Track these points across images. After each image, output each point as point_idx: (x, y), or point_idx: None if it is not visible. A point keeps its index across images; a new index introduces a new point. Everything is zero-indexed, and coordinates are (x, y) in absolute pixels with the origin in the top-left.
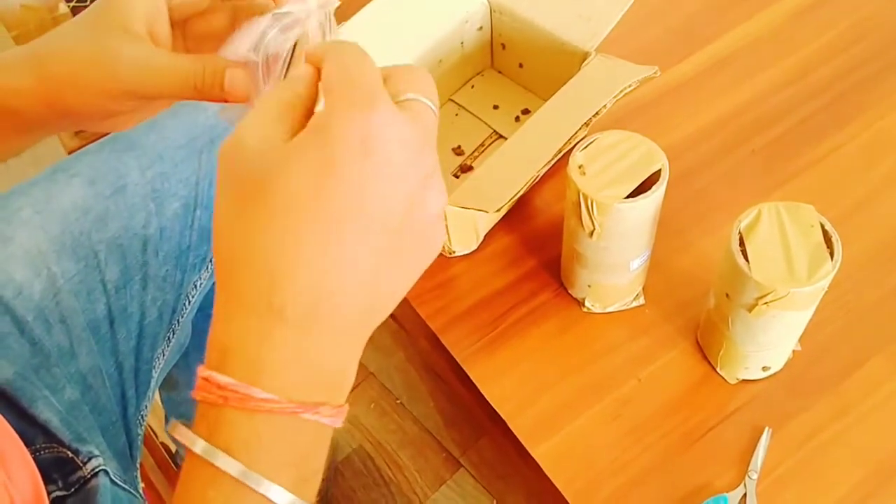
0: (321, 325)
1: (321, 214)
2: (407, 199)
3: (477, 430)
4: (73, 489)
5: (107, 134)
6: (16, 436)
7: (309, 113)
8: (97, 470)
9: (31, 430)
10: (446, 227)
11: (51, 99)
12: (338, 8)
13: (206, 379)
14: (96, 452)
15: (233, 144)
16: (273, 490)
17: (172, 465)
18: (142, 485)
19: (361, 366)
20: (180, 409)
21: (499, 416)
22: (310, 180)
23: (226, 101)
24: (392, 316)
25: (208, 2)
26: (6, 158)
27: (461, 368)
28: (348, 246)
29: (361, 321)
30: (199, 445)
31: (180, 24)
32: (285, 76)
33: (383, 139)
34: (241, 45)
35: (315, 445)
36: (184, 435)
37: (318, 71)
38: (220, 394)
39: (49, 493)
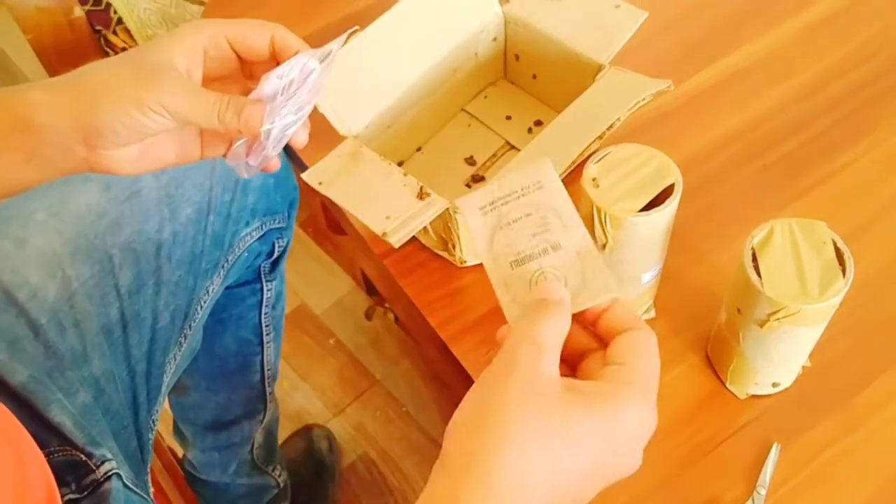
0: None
1: (582, 464)
2: (617, 478)
3: None
4: (86, 492)
5: None
6: (30, 438)
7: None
8: (110, 473)
9: (45, 432)
10: (458, 237)
11: (80, 111)
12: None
13: None
14: (109, 456)
15: (540, 370)
16: None
17: (180, 470)
18: (152, 489)
19: (367, 373)
20: (188, 413)
21: None
22: (592, 437)
23: (240, 134)
24: (399, 323)
25: (235, 67)
26: (7, 195)
27: (469, 377)
28: (578, 490)
29: None
30: None
31: (206, 74)
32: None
33: (647, 435)
34: (263, 86)
35: None
36: None
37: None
38: None
39: (62, 496)
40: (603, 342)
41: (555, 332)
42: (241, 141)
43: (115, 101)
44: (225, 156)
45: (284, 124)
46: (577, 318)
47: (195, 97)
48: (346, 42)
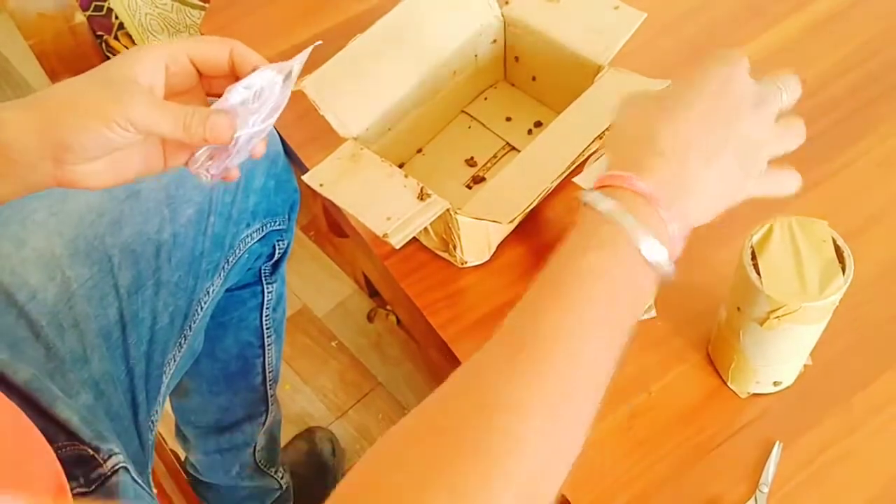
0: (686, 171)
1: (706, 114)
2: (750, 146)
3: None
4: (94, 486)
5: None
6: (39, 433)
7: None
8: (118, 467)
9: (52, 428)
10: (459, 238)
11: (47, 128)
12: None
13: (626, 185)
14: (116, 450)
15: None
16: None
17: (183, 472)
18: (154, 490)
19: (370, 376)
20: (190, 416)
21: None
22: (712, 90)
23: (206, 143)
24: (401, 326)
25: (196, 82)
26: None
27: None
28: (710, 127)
29: (708, 193)
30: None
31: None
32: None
33: (738, 95)
34: (227, 96)
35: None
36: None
37: None
38: (614, 181)
39: (71, 490)
40: None
41: None
42: (204, 149)
43: (81, 116)
44: (186, 164)
45: (251, 133)
46: None
47: (160, 109)
48: (307, 58)
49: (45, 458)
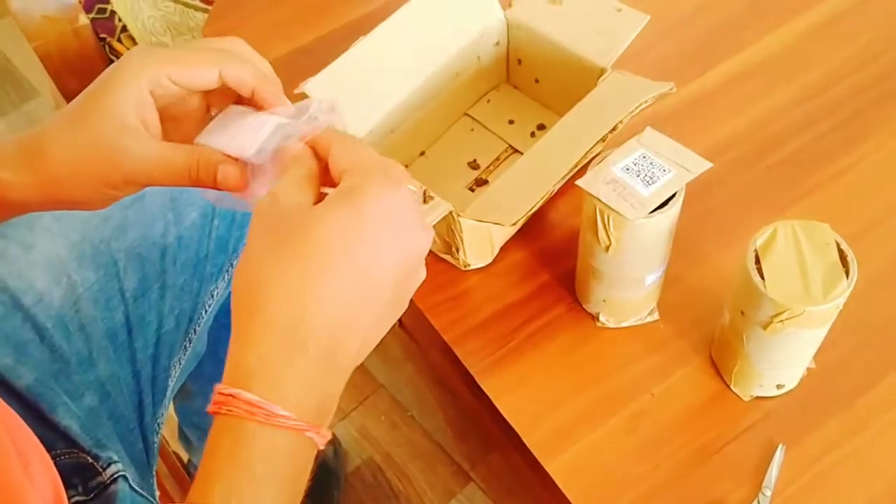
0: (334, 360)
1: (348, 264)
2: (410, 263)
3: (487, 443)
4: (92, 494)
5: None
6: (37, 441)
7: (317, 184)
8: (116, 476)
9: (52, 435)
10: (461, 240)
11: (48, 191)
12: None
13: (232, 395)
14: (115, 458)
15: (270, 204)
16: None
17: (185, 474)
18: (158, 492)
19: (372, 378)
20: (193, 418)
21: (511, 429)
22: (342, 235)
23: (218, 190)
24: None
25: (186, 92)
26: None
27: (473, 381)
28: (366, 294)
29: (359, 358)
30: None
31: (160, 109)
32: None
33: (403, 214)
34: (243, 144)
35: (307, 464)
36: None
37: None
38: (246, 408)
39: (69, 499)
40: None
41: (292, 173)
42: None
43: (81, 185)
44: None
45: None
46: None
47: (160, 165)
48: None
49: (42, 466)
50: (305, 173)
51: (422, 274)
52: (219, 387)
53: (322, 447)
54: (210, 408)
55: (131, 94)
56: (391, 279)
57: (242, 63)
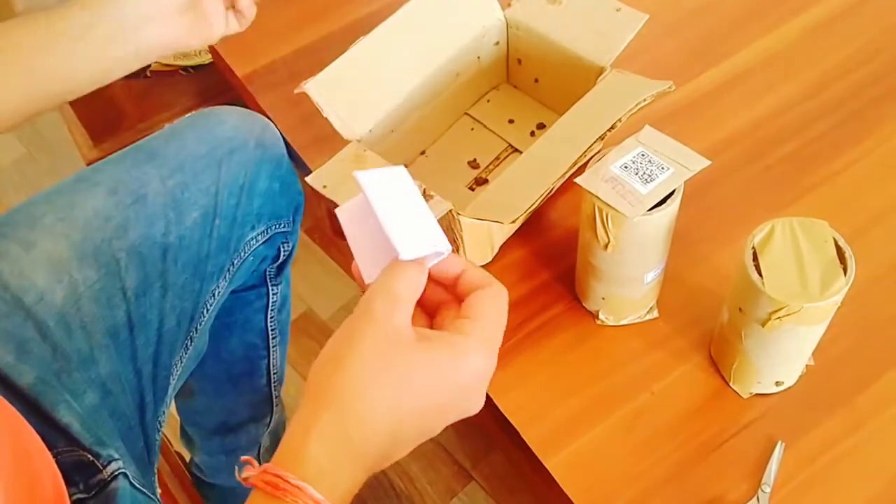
0: (374, 469)
1: (427, 405)
2: (461, 415)
3: (489, 443)
4: (93, 492)
5: (128, 145)
6: (39, 439)
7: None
8: (117, 473)
9: (53, 433)
10: (461, 239)
11: None
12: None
13: (297, 486)
14: (116, 456)
15: (393, 322)
16: None
17: (187, 474)
18: (159, 490)
19: None
20: (195, 417)
21: (511, 427)
22: (438, 381)
23: None
24: None
25: None
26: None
27: None
28: (423, 434)
29: (372, 461)
30: None
31: None
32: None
33: (484, 380)
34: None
35: None
36: None
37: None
38: (289, 488)
39: (70, 496)
40: (459, 299)
41: (408, 284)
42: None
43: None
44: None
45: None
46: (438, 280)
47: None
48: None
49: (44, 464)
50: (415, 287)
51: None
52: (277, 467)
53: None
54: (258, 478)
55: None
56: (442, 422)
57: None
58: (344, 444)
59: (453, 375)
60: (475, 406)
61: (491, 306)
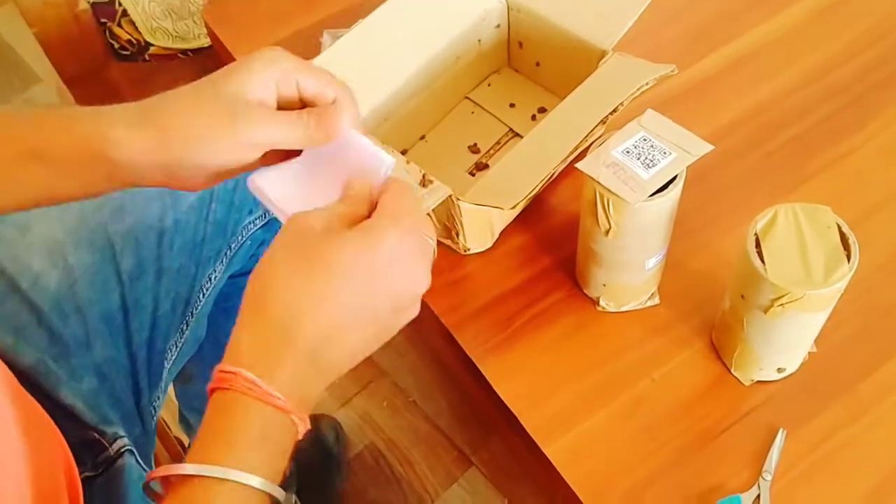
0: (318, 362)
1: (350, 288)
2: (406, 301)
3: (489, 428)
4: (101, 469)
5: None
6: (49, 419)
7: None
8: (123, 450)
9: (58, 413)
10: (461, 224)
11: (165, 153)
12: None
13: (233, 373)
14: (122, 433)
15: (302, 221)
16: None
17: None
18: None
19: (374, 364)
20: (194, 402)
21: (511, 414)
22: (352, 262)
23: (326, 139)
24: None
25: (297, 101)
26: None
27: (474, 366)
28: (359, 316)
29: (343, 370)
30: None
31: None
32: None
33: (409, 258)
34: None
35: (289, 448)
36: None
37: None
38: (246, 385)
39: (80, 475)
40: None
41: (338, 207)
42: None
43: (204, 143)
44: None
45: None
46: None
47: (278, 122)
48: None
49: (55, 444)
50: (348, 211)
51: (414, 311)
52: (220, 366)
53: (300, 437)
54: (211, 384)
55: (258, 80)
56: (386, 308)
57: (345, 84)
58: (270, 331)
59: (368, 257)
60: (415, 287)
61: (393, 196)
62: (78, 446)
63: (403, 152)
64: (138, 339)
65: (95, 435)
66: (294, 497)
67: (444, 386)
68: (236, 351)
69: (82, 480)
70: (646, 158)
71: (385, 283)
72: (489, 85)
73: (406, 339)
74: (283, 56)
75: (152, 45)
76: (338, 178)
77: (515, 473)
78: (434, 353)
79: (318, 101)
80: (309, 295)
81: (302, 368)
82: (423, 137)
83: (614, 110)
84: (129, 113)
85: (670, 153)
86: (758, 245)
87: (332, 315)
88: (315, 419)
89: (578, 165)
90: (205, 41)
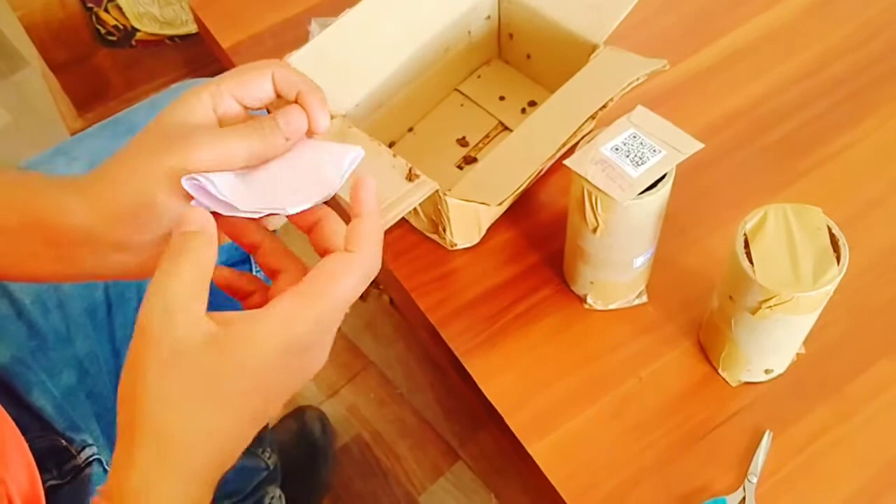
0: (165, 468)
1: (238, 403)
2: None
3: (476, 422)
4: (67, 478)
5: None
6: (13, 424)
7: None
8: (91, 459)
9: (26, 417)
10: (448, 220)
11: (102, 203)
12: None
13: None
14: (90, 441)
15: (168, 318)
16: None
17: None
18: None
19: (361, 355)
20: None
21: (496, 411)
22: (236, 381)
23: (287, 144)
24: (394, 305)
25: (245, 115)
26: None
27: (458, 361)
28: (257, 422)
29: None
30: None
31: None
32: None
33: (299, 348)
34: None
35: None
36: None
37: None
38: None
39: (44, 483)
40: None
41: (184, 285)
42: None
43: (142, 176)
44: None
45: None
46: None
47: (226, 137)
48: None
49: (18, 452)
50: (201, 285)
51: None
52: (103, 489)
53: None
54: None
55: (197, 108)
56: (279, 401)
57: (292, 68)
58: (159, 465)
59: (256, 370)
60: (310, 370)
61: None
62: (44, 453)
63: (391, 144)
64: (122, 335)
65: (63, 442)
66: (278, 490)
67: (433, 379)
68: (120, 480)
69: (48, 489)
70: (635, 156)
71: (277, 382)
72: (479, 77)
73: (395, 331)
74: (204, 83)
75: (139, 30)
76: (295, 177)
77: (503, 469)
78: (421, 345)
79: (256, 97)
80: (199, 427)
81: (196, 490)
82: (411, 129)
83: (604, 105)
84: (80, 179)
85: (660, 151)
86: (747, 246)
87: (219, 443)
88: (301, 411)
89: (567, 162)
90: (192, 27)
